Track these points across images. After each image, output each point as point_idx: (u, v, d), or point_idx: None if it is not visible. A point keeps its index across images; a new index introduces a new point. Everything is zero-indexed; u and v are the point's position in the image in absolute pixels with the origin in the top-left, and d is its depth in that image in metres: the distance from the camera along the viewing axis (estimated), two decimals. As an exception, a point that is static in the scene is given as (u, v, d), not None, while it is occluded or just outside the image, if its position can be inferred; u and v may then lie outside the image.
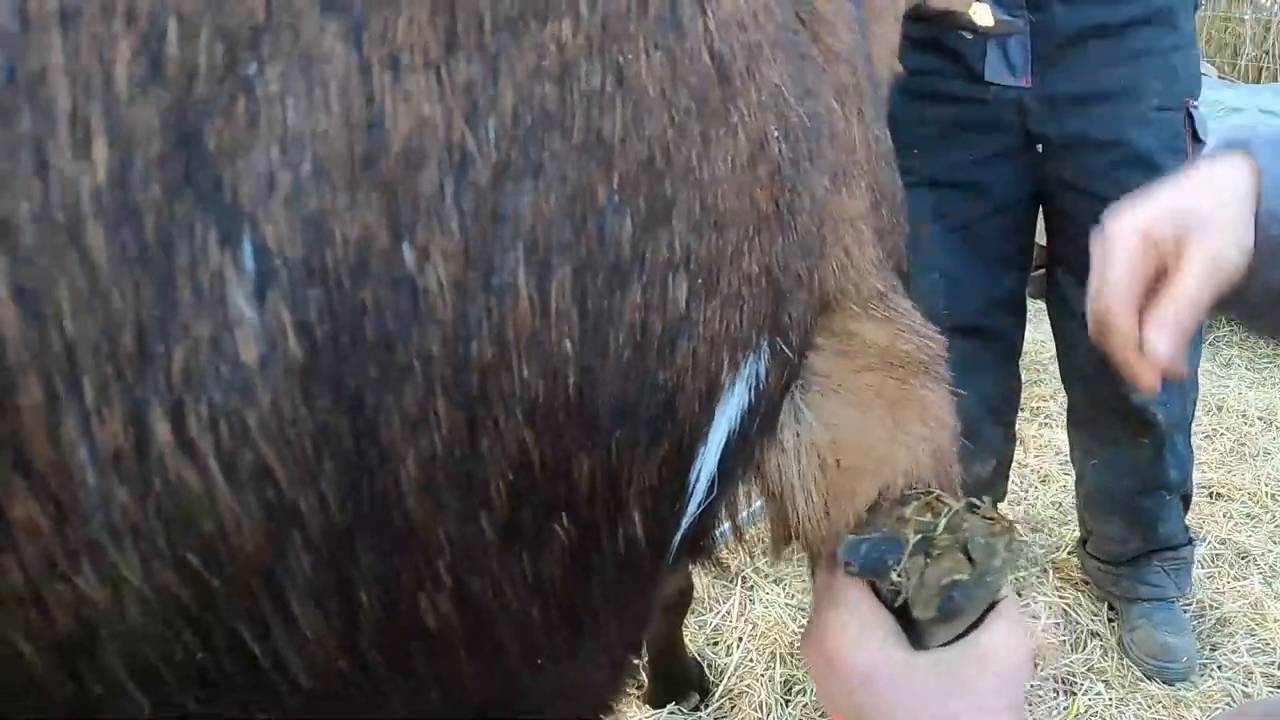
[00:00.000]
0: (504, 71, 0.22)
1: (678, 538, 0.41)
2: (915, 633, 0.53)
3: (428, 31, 0.21)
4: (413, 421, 0.23)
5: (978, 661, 0.54)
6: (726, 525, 0.59)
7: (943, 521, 0.52)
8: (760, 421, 0.42)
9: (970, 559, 0.51)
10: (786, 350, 0.40)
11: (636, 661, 0.55)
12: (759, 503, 0.54)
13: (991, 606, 0.54)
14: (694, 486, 0.38)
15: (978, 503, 0.53)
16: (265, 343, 0.20)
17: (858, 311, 0.48)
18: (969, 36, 1.60)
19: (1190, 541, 1.94)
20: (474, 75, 0.22)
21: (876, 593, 0.54)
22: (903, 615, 0.53)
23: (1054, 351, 1.90)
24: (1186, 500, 1.92)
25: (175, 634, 0.21)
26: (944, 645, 0.54)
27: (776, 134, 0.34)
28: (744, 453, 0.43)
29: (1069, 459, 1.98)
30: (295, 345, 0.21)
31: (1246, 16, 3.02)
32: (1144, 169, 1.56)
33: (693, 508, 0.39)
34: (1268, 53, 3.01)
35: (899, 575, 0.51)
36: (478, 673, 0.30)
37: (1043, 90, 1.60)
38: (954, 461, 0.55)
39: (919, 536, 0.51)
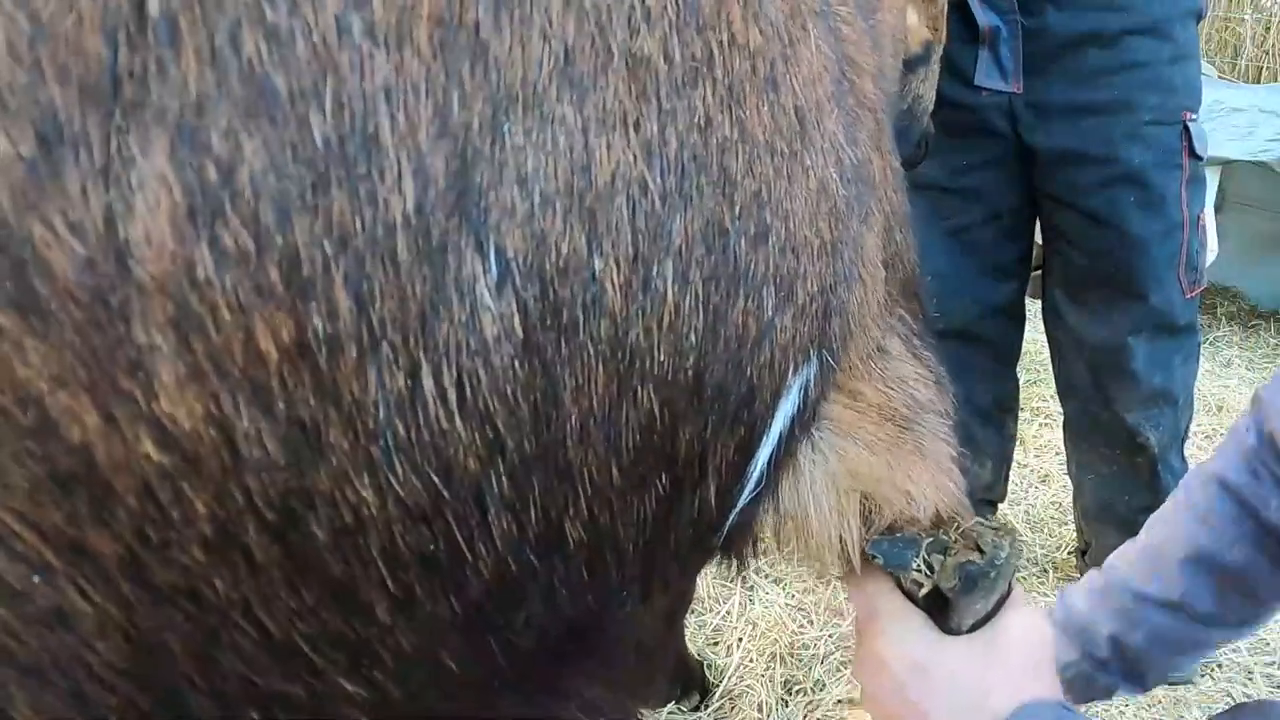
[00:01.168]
0: (669, 126, 0.33)
1: (730, 519, 0.50)
2: (945, 621, 0.65)
3: (626, 101, 0.31)
4: (579, 384, 0.33)
5: (1004, 639, 0.65)
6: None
7: (954, 532, 0.63)
8: (803, 424, 0.52)
9: (980, 550, 0.62)
10: (831, 361, 0.50)
11: (664, 660, 0.66)
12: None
13: (1004, 600, 0.66)
14: (751, 473, 0.48)
15: (983, 520, 0.65)
16: (500, 323, 0.30)
17: (860, 370, 0.59)
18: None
19: (1189, 553, 2.00)
20: (653, 130, 0.32)
21: (905, 594, 0.65)
22: (932, 608, 0.65)
23: (1055, 353, 1.96)
24: None
25: (415, 527, 0.31)
26: (971, 630, 0.65)
27: (835, 175, 0.44)
28: (786, 454, 0.53)
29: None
30: (518, 326, 0.31)
31: (1246, 16, 3.11)
32: (1135, 186, 1.60)
33: (745, 494, 0.49)
34: (1268, 53, 3.09)
35: (918, 568, 0.62)
36: (591, 585, 0.40)
37: (1033, 97, 1.64)
38: (961, 494, 0.65)
39: (932, 539, 0.63)
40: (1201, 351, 2.23)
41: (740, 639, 2.04)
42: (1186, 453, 1.94)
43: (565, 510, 0.35)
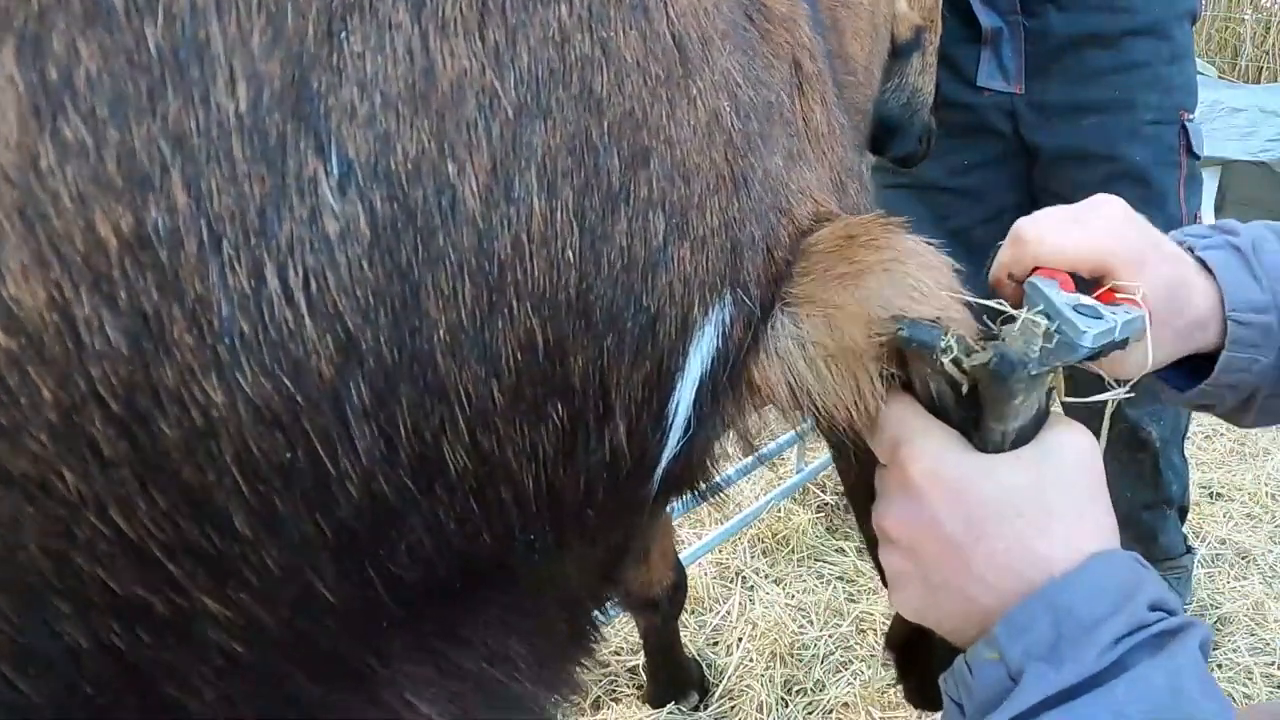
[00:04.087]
0: (520, 39, 0.32)
1: (660, 468, 0.49)
2: (983, 436, 0.52)
3: (467, 12, 0.31)
4: (445, 294, 0.33)
5: (1057, 454, 0.51)
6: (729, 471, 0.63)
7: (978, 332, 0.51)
8: (733, 367, 0.50)
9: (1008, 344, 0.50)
10: (748, 301, 0.48)
11: (608, 600, 0.62)
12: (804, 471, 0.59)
13: (1043, 417, 0.53)
14: (673, 418, 0.46)
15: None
16: (343, 222, 0.30)
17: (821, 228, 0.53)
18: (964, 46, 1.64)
19: (1189, 550, 1.98)
20: (499, 39, 0.32)
21: (931, 409, 0.53)
22: (966, 424, 0.52)
23: (1052, 349, 1.94)
24: (1184, 512, 1.96)
25: (269, 433, 0.31)
26: (1014, 447, 0.52)
27: (729, 109, 0.43)
28: (720, 395, 0.51)
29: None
30: (364, 225, 0.30)
31: (1246, 16, 3.07)
32: (1137, 183, 1.59)
33: (673, 441, 0.48)
34: (1268, 53, 3.06)
35: (947, 348, 0.49)
36: (484, 520, 0.39)
37: (1035, 97, 1.65)
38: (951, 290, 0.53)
39: (957, 335, 0.50)
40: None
41: (740, 639, 2.03)
42: (1186, 451, 1.92)
43: (442, 430, 0.35)
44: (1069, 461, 0.52)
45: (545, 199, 0.34)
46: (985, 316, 0.54)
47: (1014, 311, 0.53)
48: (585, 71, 0.35)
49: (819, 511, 2.39)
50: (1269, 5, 3.07)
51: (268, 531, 0.32)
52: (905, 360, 0.52)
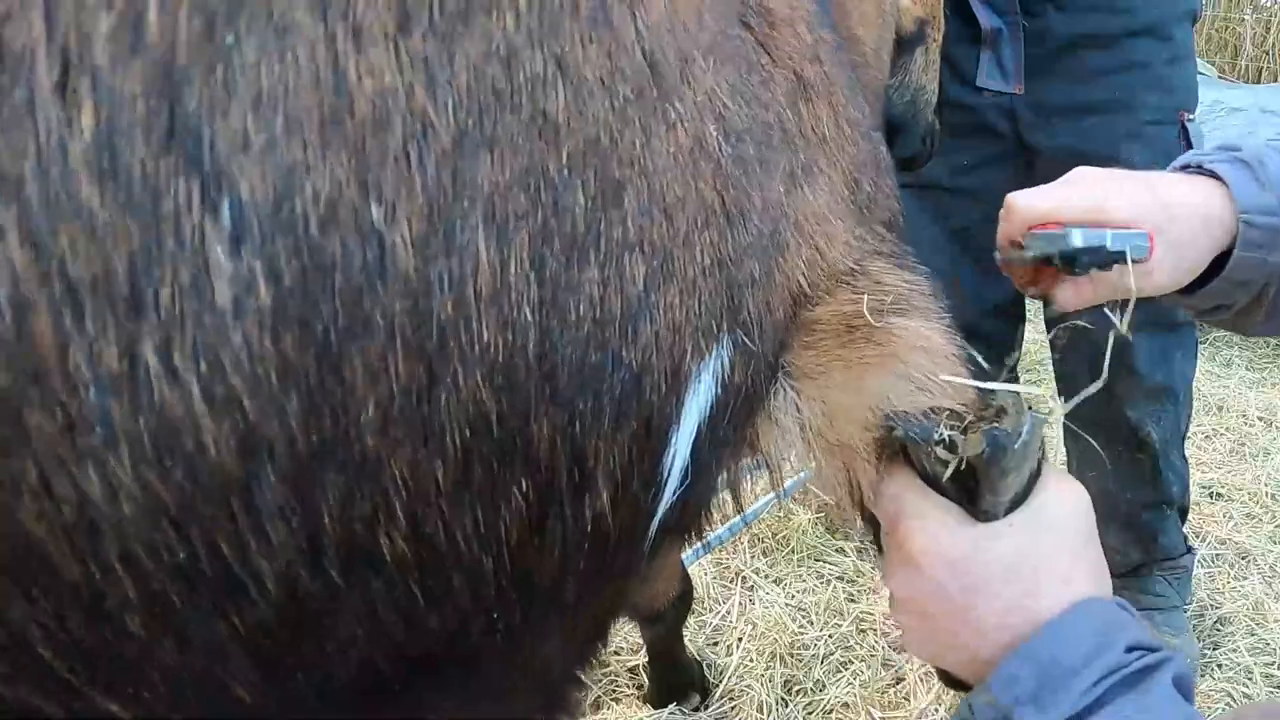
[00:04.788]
0: (457, 53, 0.26)
1: (654, 523, 0.43)
2: (978, 507, 0.55)
3: (384, 11, 0.24)
4: (373, 369, 0.27)
5: (1047, 512, 0.55)
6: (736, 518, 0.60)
7: (973, 409, 0.54)
8: (733, 414, 0.45)
9: (1003, 416, 0.53)
10: (749, 343, 0.42)
11: (597, 656, 0.57)
12: (802, 474, 0.56)
13: (1036, 478, 0.56)
14: (668, 474, 0.40)
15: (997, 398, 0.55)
16: (239, 287, 0.24)
17: (827, 299, 0.50)
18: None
19: (1189, 550, 1.95)
20: (429, 52, 0.25)
21: (930, 484, 0.55)
22: (962, 496, 0.55)
23: (1055, 351, 1.91)
24: (1184, 512, 1.93)
25: (160, 530, 0.25)
26: (1008, 514, 0.55)
27: (715, 133, 0.37)
28: (719, 444, 0.45)
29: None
30: (265, 291, 0.24)
31: (1246, 16, 3.03)
32: None
33: (668, 495, 0.42)
34: (1268, 53, 3.03)
35: (940, 438, 0.52)
36: (430, 610, 0.33)
37: (1034, 97, 1.62)
38: (966, 381, 0.55)
39: (952, 416, 0.53)
40: (1201, 351, 2.17)
41: (740, 639, 2.00)
42: (1186, 451, 1.89)
43: (375, 519, 0.29)
44: (1060, 519, 0.56)
45: (495, 245, 0.28)
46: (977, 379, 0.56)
47: (1001, 387, 0.54)
48: (537, 92, 0.28)
49: (819, 511, 2.35)
50: (1269, 5, 3.03)
51: (169, 632, 0.27)
52: (903, 446, 0.55)
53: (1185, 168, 0.75)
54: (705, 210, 0.36)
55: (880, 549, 0.61)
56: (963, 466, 0.53)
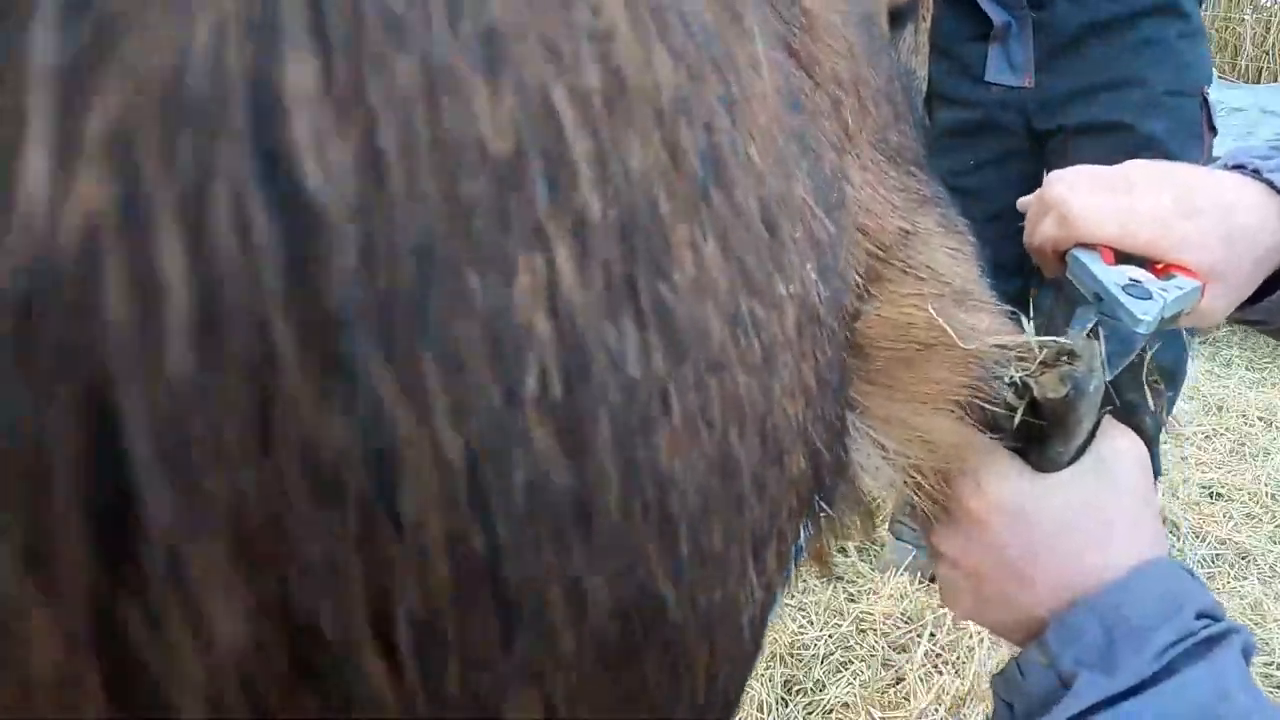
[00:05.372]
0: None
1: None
2: (1043, 455, 0.51)
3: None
4: None
5: (1112, 464, 0.52)
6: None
7: (1040, 357, 0.49)
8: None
9: (1074, 364, 0.49)
10: (822, 506, 0.40)
11: None
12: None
13: (1097, 428, 0.52)
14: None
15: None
16: None
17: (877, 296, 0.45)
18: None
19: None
20: None
21: (990, 430, 0.51)
22: (1024, 446, 0.51)
23: (1053, 350, 1.89)
24: None
25: None
26: (1072, 462, 0.51)
27: (815, 278, 0.33)
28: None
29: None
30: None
31: (1246, 16, 3.01)
32: (1156, 156, 1.54)
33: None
34: (1268, 53, 3.01)
35: (1012, 380, 0.48)
36: None
37: (1043, 90, 1.59)
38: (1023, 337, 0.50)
39: (1022, 363, 0.49)
40: (1201, 351, 2.16)
41: None
42: (1186, 452, 1.87)
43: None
44: (1124, 471, 0.52)
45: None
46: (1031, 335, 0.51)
47: (1064, 342, 0.49)
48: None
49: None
50: (1269, 5, 2.99)
51: None
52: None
53: (1240, 167, 0.65)
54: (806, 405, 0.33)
55: (925, 514, 0.55)
56: (1032, 414, 0.49)
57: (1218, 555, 2.17)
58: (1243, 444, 2.52)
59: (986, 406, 0.48)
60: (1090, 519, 0.50)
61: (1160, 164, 0.64)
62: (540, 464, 0.21)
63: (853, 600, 2.09)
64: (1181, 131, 1.56)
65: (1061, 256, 0.60)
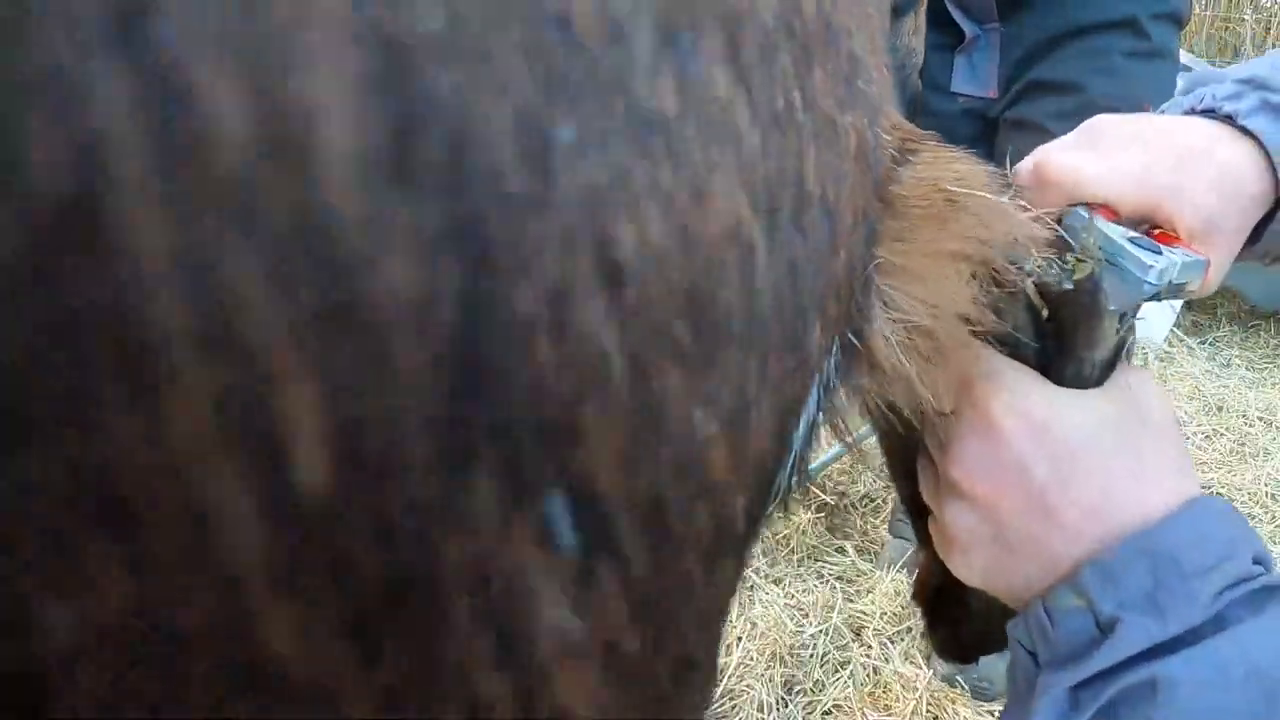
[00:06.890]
0: None
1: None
2: (1064, 366, 0.46)
3: None
4: None
5: (1140, 392, 0.45)
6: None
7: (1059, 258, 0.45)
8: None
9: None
10: (850, 336, 0.35)
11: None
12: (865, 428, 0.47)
13: (1120, 351, 0.46)
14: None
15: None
16: None
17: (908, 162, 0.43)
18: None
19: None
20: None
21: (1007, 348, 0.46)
22: (1047, 359, 0.46)
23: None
24: None
25: None
26: (1099, 382, 0.46)
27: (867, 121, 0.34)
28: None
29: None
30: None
31: (1246, 16, 3.00)
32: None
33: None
34: (1267, 53, 3.00)
35: (1031, 270, 0.42)
36: None
37: (1007, 101, 1.61)
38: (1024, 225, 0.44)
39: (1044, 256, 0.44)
40: (1201, 351, 2.13)
41: (740, 639, 1.99)
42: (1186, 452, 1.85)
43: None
44: (1151, 399, 0.45)
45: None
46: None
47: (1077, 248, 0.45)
48: None
49: (819, 511, 2.33)
50: (1269, 5, 3.00)
51: None
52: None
53: (1209, 112, 0.58)
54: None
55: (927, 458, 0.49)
56: (1050, 313, 0.45)
57: (1218, 555, 2.15)
58: (1243, 444, 2.51)
59: (1007, 324, 0.43)
60: (1124, 442, 0.43)
61: (1130, 117, 0.58)
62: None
63: (852, 601, 2.08)
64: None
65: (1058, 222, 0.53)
